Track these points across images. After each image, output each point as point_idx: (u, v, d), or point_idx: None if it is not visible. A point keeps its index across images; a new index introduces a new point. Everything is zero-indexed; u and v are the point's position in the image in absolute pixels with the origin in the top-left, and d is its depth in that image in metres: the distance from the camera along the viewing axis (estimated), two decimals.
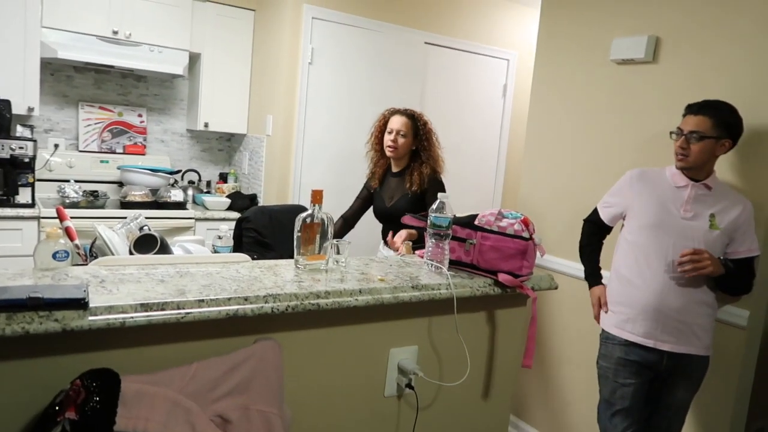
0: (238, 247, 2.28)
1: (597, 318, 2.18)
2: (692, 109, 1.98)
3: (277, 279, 1.32)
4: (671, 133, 2.02)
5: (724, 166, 2.12)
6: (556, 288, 1.64)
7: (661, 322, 1.95)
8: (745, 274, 1.99)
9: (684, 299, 1.95)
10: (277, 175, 3.54)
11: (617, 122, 2.56)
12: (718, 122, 1.93)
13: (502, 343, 1.65)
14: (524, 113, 3.54)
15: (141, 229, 1.66)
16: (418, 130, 2.68)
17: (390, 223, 2.64)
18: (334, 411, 1.41)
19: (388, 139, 2.64)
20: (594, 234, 2.27)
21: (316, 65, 3.51)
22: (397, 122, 2.65)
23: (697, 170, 1.98)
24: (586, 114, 2.70)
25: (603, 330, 2.13)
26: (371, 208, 2.80)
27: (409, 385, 1.47)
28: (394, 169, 2.75)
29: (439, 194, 1.55)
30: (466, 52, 4.07)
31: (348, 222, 2.82)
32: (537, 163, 2.96)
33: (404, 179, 2.68)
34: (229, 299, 1.17)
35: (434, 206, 1.54)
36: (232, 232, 2.25)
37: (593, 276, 2.24)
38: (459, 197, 3.89)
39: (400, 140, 2.63)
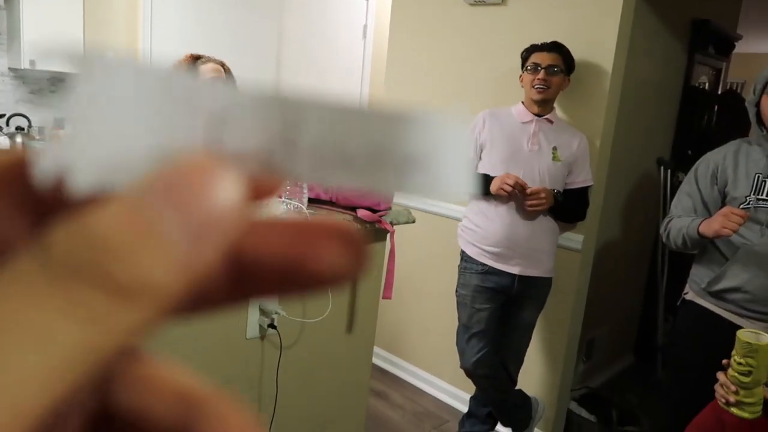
0: None
1: (509, 185, 2.03)
2: (543, 48, 2.11)
3: None
4: (526, 68, 2.12)
5: (559, 102, 2.29)
6: (413, 222, 1.69)
7: (512, 249, 2.11)
8: (580, 203, 2.21)
9: (531, 227, 2.12)
10: None
11: (472, 63, 2.65)
12: (566, 60, 2.10)
13: (363, 278, 1.68)
14: (385, 55, 3.54)
15: None
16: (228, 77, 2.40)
17: None
18: (192, 360, 1.36)
19: None
20: None
21: None
22: (215, 70, 2.34)
23: (545, 105, 2.12)
24: (442, 54, 2.76)
25: (461, 260, 2.26)
26: None
27: (271, 325, 1.45)
28: None
29: None
30: None
31: None
32: (397, 104, 2.99)
33: None
34: None
35: None
36: None
37: (483, 179, 2.12)
38: None
39: None
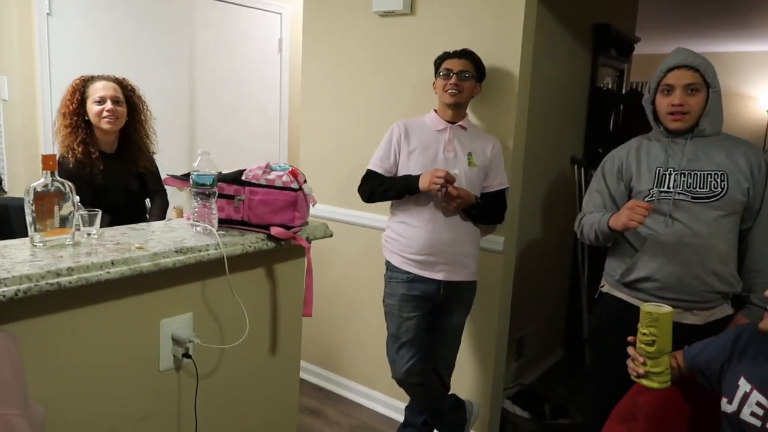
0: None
1: (440, 178, 1.99)
2: (454, 55, 2.16)
3: (4, 261, 1.12)
4: (439, 74, 2.16)
5: (470, 110, 2.33)
6: (330, 236, 1.66)
7: (436, 255, 2.13)
8: (498, 206, 2.25)
9: (452, 232, 2.14)
10: (22, 147, 3.04)
11: (384, 73, 2.66)
12: (477, 66, 2.16)
13: (283, 297, 1.63)
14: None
15: None
16: (129, 98, 2.30)
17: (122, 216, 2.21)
18: (103, 397, 1.27)
19: (99, 109, 2.19)
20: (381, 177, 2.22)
21: (58, 17, 3.04)
22: (105, 88, 2.22)
23: (459, 110, 2.16)
24: (355, 66, 2.76)
25: (387, 270, 2.25)
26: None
27: (186, 355, 1.38)
28: (108, 150, 2.29)
29: (200, 149, 1.45)
30: (236, 5, 3.86)
31: None
32: (314, 116, 2.97)
33: (123, 161, 2.32)
34: None
35: (195, 164, 1.43)
36: None
37: (406, 179, 2.11)
38: (244, 159, 3.77)
39: (119, 108, 2.24)
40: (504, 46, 2.28)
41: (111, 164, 2.28)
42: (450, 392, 2.34)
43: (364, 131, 2.74)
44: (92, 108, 2.21)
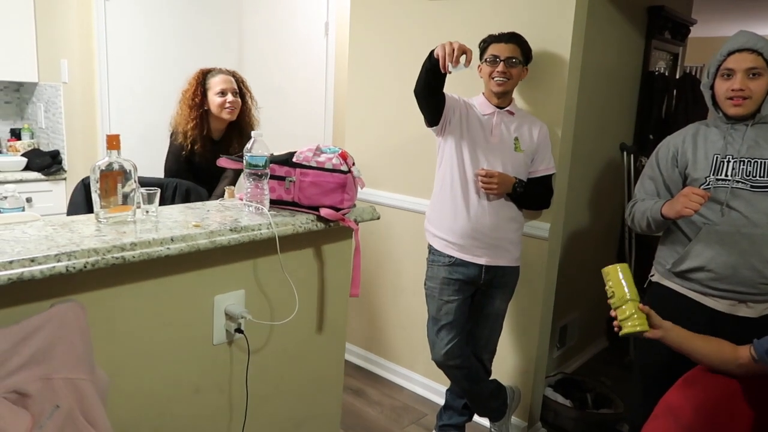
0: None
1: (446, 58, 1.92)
2: (501, 39, 2.10)
3: (72, 236, 1.18)
4: (485, 60, 2.11)
5: (519, 92, 2.30)
6: (378, 218, 1.68)
7: (478, 239, 2.12)
8: (544, 191, 2.22)
9: (495, 218, 2.13)
10: (81, 128, 3.17)
11: None
12: (524, 51, 2.11)
13: (331, 277, 1.67)
14: (348, 51, 3.52)
15: None
16: (240, 89, 2.49)
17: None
18: (160, 367, 1.33)
19: (222, 101, 2.39)
20: None
21: (114, 2, 3.13)
22: (225, 81, 2.43)
23: (505, 96, 2.13)
24: (403, 49, 2.75)
25: (429, 253, 2.25)
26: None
27: (238, 330, 1.43)
28: (216, 137, 2.50)
29: (253, 132, 1.49)
30: None
31: None
32: (360, 100, 2.98)
33: (220, 146, 2.47)
34: (11, 262, 1.02)
35: (248, 145, 1.47)
36: (19, 193, 1.98)
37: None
38: (288, 141, 3.81)
39: (238, 100, 2.44)
40: (555, 29, 2.23)
41: (214, 149, 2.44)
42: (491, 377, 2.34)
43: (410, 115, 2.73)
44: (214, 99, 2.41)
